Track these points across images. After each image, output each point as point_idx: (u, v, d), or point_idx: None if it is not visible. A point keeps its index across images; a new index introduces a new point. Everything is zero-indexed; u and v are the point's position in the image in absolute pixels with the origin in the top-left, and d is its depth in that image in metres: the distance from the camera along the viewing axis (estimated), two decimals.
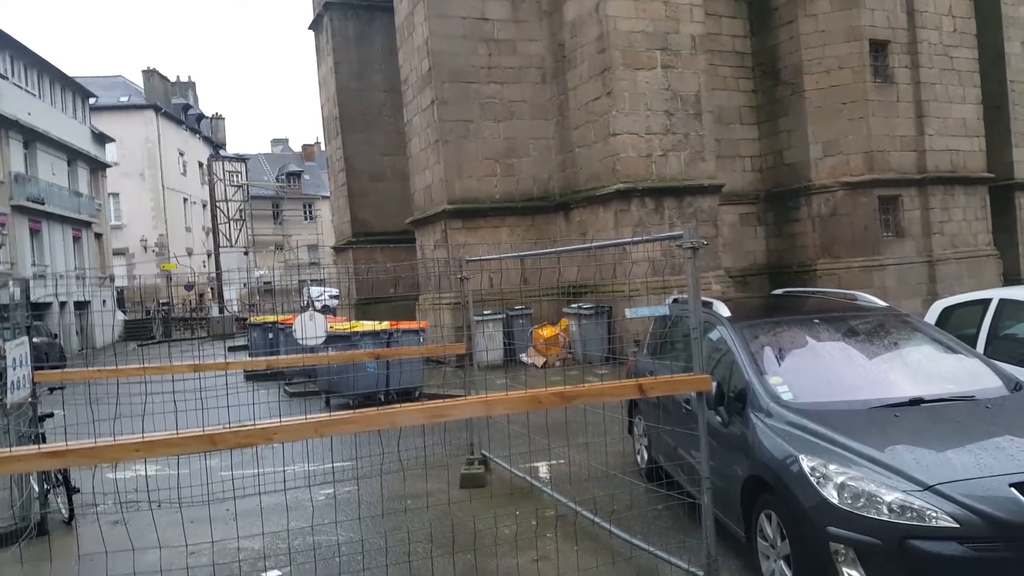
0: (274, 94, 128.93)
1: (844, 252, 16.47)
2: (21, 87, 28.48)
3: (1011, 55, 19.95)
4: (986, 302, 6.33)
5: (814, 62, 16.67)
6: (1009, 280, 17.84)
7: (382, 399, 10.86)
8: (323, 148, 36.08)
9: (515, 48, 16.68)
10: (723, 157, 16.71)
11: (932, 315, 6.91)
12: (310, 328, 8.76)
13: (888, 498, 3.47)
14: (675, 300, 6.44)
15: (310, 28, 25.10)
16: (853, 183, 16.40)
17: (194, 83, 54.67)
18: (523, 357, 14.69)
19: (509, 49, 16.63)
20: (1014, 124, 19.95)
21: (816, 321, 5.37)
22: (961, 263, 17.14)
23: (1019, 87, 20.17)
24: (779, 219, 17.77)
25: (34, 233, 28.34)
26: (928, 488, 3.48)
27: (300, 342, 8.25)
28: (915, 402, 4.27)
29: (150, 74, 45.23)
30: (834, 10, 16.49)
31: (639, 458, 6.72)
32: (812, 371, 4.79)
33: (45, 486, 6.40)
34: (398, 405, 3.87)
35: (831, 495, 3.61)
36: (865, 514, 3.48)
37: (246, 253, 47.27)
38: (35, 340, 7.44)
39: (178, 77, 51.79)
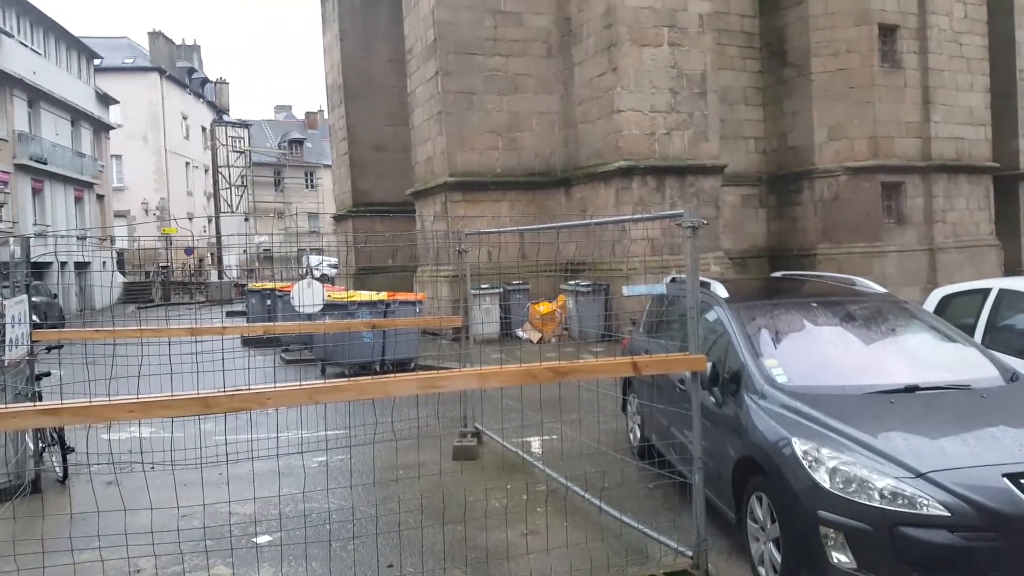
0: (279, 61, 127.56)
1: (845, 237, 16.42)
2: (27, 45, 28.22)
3: (1021, 43, 19.73)
4: (986, 292, 6.29)
5: (822, 44, 16.48)
6: (1010, 271, 17.82)
7: (377, 369, 10.90)
8: (326, 116, 35.84)
9: (521, 20, 16.46)
10: (727, 138, 16.57)
11: (931, 303, 6.86)
12: (307, 296, 8.73)
13: (880, 484, 3.48)
14: (673, 279, 6.42)
15: None
16: (856, 168, 16.30)
17: (199, 47, 54.09)
18: (519, 332, 14.70)
19: (515, 21, 16.41)
20: (1022, 114, 19.77)
21: (814, 305, 5.35)
22: (962, 252, 17.09)
23: None
24: (781, 202, 17.69)
25: (36, 192, 28.27)
26: (920, 476, 3.48)
27: (297, 309, 8.24)
28: (910, 389, 4.26)
29: (155, 36, 44.80)
30: None
31: (631, 436, 6.74)
32: (808, 355, 4.78)
33: (40, 444, 6.43)
34: (392, 375, 3.87)
35: (823, 479, 3.61)
36: (856, 499, 3.48)
37: (246, 219, 47.16)
38: (34, 299, 7.43)
39: (183, 40, 51.25)
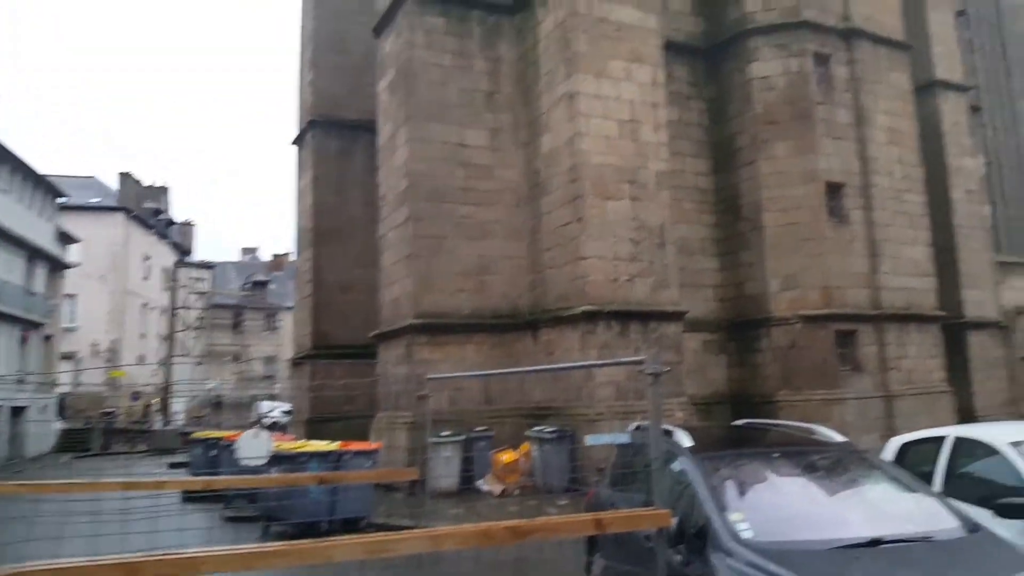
0: (250, 204, 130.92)
1: (804, 384, 16.53)
2: None
3: (956, 201, 21.21)
4: (941, 440, 6.41)
5: (772, 201, 17.37)
6: (964, 417, 17.98)
7: (325, 528, 10.13)
8: (293, 259, 36.19)
9: (492, 173, 17.16)
10: (686, 286, 17.00)
11: (890, 451, 6.97)
12: (254, 447, 8.31)
13: None
14: (638, 427, 6.30)
15: (293, 143, 25.61)
16: (811, 316, 16.69)
17: (168, 189, 55.15)
18: (481, 484, 14.06)
19: (486, 174, 17.09)
20: (962, 266, 20.87)
21: (776, 455, 5.36)
22: (918, 399, 17.26)
23: (965, 232, 21.30)
24: (741, 348, 17.91)
25: None
26: None
27: (241, 462, 7.77)
28: (874, 542, 4.18)
29: (124, 177, 45.67)
30: (791, 154, 17.41)
31: None
32: (773, 508, 4.70)
33: None
34: (336, 538, 3.57)
35: None
36: None
37: (199, 363, 46.08)
38: None
39: (153, 182, 52.32)
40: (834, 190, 17.47)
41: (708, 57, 18.99)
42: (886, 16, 19.28)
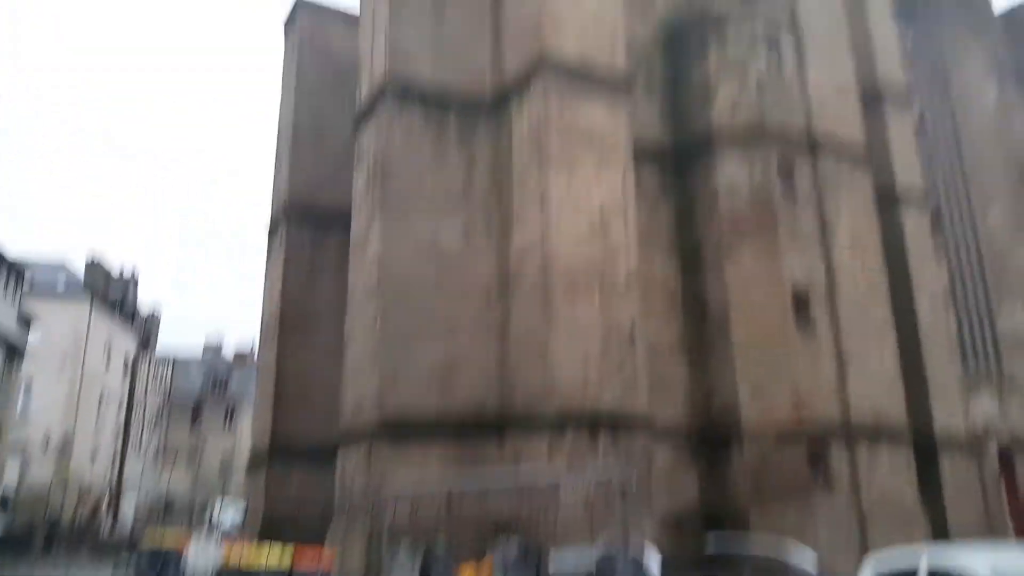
0: (218, 293, 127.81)
1: (776, 500, 16.03)
2: None
3: (922, 311, 20.89)
4: (916, 558, 6.26)
5: (739, 305, 17.41)
6: (937, 534, 17.36)
7: None
8: (256, 354, 35.32)
9: (464, 268, 17.08)
10: (656, 389, 16.66)
11: (865, 572, 6.82)
12: (203, 556, 7.71)
13: None
14: (605, 547, 5.94)
15: (269, 232, 25.20)
16: (781, 429, 16.40)
17: (136, 279, 54.27)
18: None
19: (458, 269, 17.02)
20: (930, 378, 20.38)
21: None
22: (890, 516, 16.70)
23: (931, 342, 20.78)
24: (712, 461, 17.40)
25: None
26: None
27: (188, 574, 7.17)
28: None
29: (92, 264, 45.12)
30: (757, 259, 17.62)
31: None
32: None
33: None
34: None
35: None
36: None
37: (155, 459, 44.12)
38: None
39: (121, 273, 51.52)
40: (800, 296, 17.54)
41: (676, 162, 19.52)
42: (848, 127, 19.98)
